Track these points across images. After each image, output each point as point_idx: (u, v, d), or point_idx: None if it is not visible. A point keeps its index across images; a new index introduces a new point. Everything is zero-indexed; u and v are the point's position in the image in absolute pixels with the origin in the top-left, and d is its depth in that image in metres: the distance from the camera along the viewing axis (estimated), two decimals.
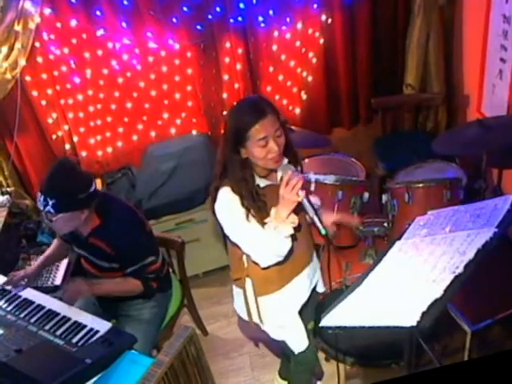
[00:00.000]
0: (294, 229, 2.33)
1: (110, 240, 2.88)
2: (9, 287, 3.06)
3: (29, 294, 3.02)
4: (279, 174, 2.42)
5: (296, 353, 2.81)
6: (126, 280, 2.98)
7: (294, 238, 2.40)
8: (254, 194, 2.38)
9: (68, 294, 2.87)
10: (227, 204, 2.39)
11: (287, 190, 2.22)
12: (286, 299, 2.67)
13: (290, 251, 2.42)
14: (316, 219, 2.27)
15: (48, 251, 3.28)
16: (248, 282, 2.62)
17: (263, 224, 2.38)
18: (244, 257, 2.56)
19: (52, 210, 2.67)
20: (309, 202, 2.28)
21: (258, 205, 2.38)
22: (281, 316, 2.71)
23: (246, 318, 2.76)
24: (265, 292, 2.63)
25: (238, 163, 2.36)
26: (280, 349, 3.25)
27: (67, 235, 3.08)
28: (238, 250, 2.48)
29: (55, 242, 3.30)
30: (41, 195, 2.70)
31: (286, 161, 2.43)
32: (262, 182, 2.43)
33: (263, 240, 2.34)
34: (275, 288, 2.63)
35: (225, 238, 2.54)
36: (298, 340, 2.79)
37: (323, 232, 2.27)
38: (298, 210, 2.31)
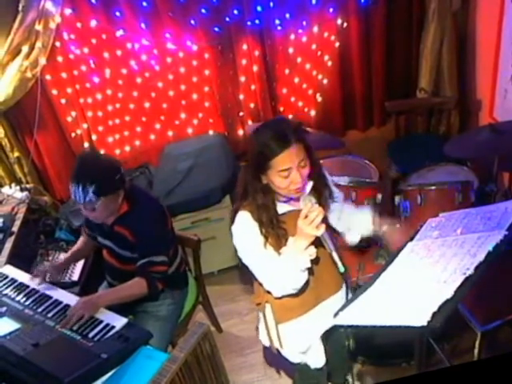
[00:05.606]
0: (313, 261, 2.22)
1: (133, 226, 2.91)
2: (35, 280, 3.02)
3: (46, 289, 3.01)
4: (301, 201, 2.25)
5: (312, 368, 2.74)
6: (128, 284, 2.96)
7: (311, 271, 2.30)
8: (274, 221, 2.25)
9: (74, 319, 2.67)
10: (245, 230, 2.29)
11: (305, 223, 2.09)
12: (307, 325, 2.56)
13: (306, 284, 2.31)
14: (335, 255, 2.19)
15: (75, 247, 3.30)
16: (267, 308, 2.54)
17: (280, 253, 2.27)
18: None
19: (93, 197, 2.67)
20: (329, 236, 2.20)
21: (277, 232, 2.27)
22: (301, 342, 2.62)
23: (266, 343, 2.70)
24: (284, 319, 2.54)
25: (260, 189, 2.24)
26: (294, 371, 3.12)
27: (93, 228, 3.13)
28: None
29: (81, 239, 3.33)
30: (77, 187, 2.66)
31: (311, 184, 2.28)
32: (282, 208, 2.31)
33: (278, 271, 2.23)
34: (295, 315, 2.53)
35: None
36: (316, 359, 2.71)
37: (342, 270, 2.20)
38: (318, 242, 2.19)
